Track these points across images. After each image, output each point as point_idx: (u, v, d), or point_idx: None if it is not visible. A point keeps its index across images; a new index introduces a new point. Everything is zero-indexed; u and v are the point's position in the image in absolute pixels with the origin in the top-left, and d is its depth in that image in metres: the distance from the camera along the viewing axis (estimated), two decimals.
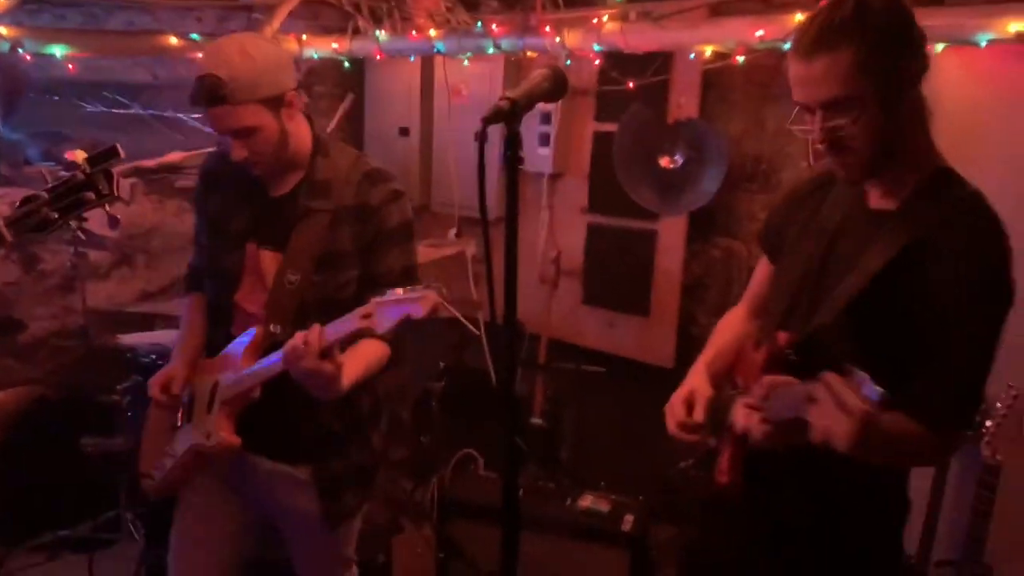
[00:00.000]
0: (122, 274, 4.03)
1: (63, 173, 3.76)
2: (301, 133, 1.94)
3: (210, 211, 2.05)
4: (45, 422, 3.48)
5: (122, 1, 3.81)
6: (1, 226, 1.57)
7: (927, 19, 2.49)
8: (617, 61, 3.42)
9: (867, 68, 1.33)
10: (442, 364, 3.40)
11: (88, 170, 1.57)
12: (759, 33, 2.74)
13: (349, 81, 4.53)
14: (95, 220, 2.67)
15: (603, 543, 2.82)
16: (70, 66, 3.56)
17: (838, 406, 1.09)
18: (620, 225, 3.67)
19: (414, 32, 3.73)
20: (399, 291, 1.59)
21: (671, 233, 3.56)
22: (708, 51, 3.04)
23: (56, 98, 4.04)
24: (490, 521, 3.00)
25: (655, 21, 3.05)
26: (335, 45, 4.02)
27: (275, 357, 1.77)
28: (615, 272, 3.70)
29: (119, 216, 1.74)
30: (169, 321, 3.71)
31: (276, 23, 3.89)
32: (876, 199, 1.49)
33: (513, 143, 1.18)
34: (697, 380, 1.64)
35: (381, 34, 3.82)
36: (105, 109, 4.20)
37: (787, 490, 1.52)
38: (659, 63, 3.37)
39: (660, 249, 3.59)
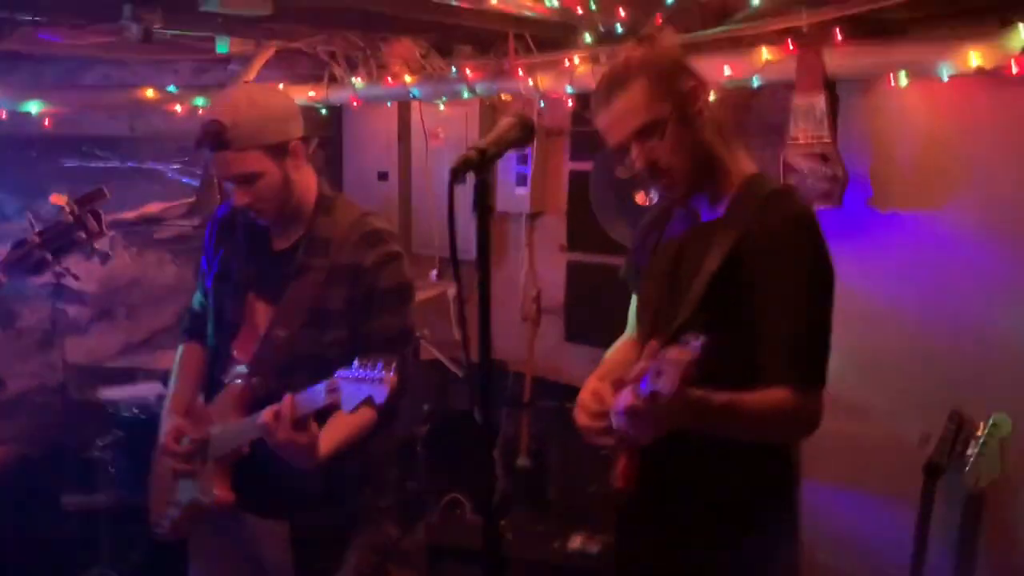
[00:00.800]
0: (102, 328, 4.01)
1: (41, 228, 3.75)
2: (306, 185, 1.95)
3: (219, 258, 2.07)
4: (26, 480, 3.44)
5: (98, 55, 3.83)
6: None
7: (889, 52, 2.59)
8: (589, 101, 3.46)
9: (659, 93, 1.55)
10: (426, 407, 3.39)
11: (76, 211, 1.58)
12: (727, 72, 2.79)
13: (327, 128, 4.57)
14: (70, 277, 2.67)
15: None
16: (46, 121, 3.57)
17: (670, 364, 1.26)
18: (600, 262, 3.69)
19: (390, 79, 3.78)
20: (365, 367, 1.61)
21: None
22: None
23: (33, 154, 4.05)
24: (478, 565, 2.98)
25: None
26: (312, 93, 4.06)
27: (256, 420, 1.77)
28: (597, 308, 3.71)
29: (111, 253, 1.76)
30: (150, 374, 3.68)
31: (252, 73, 3.93)
32: (705, 213, 1.68)
33: (483, 191, 1.20)
34: (595, 382, 1.73)
35: (357, 81, 3.86)
36: (83, 163, 4.21)
37: (678, 492, 1.64)
38: None
39: None
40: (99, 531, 3.28)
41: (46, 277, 1.66)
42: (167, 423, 2.03)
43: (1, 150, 3.94)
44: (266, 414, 1.70)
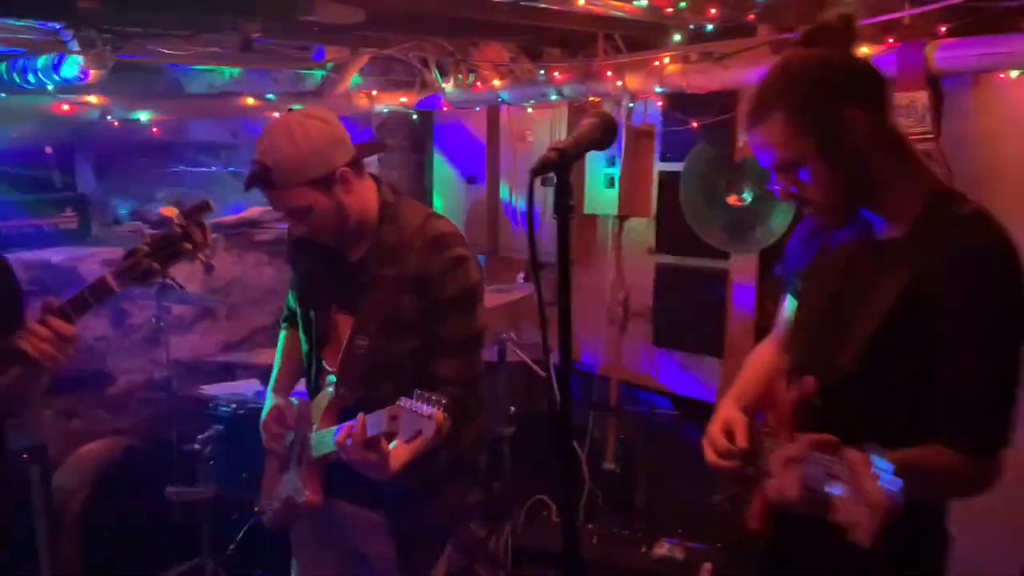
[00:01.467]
0: (204, 326, 4.18)
1: (149, 231, 3.94)
2: (363, 203, 1.94)
3: (299, 272, 2.15)
4: (133, 471, 3.61)
5: (202, 65, 4.00)
6: (109, 277, 1.67)
7: (1003, 45, 2.45)
8: (679, 101, 3.42)
9: (800, 128, 1.37)
10: (512, 409, 3.40)
11: (183, 223, 1.67)
12: None
13: (418, 133, 4.65)
14: (180, 276, 2.78)
15: None
16: (155, 129, 3.75)
17: (859, 498, 1.09)
18: (689, 265, 3.63)
19: (479, 83, 3.82)
20: (416, 395, 1.65)
21: (743, 271, 3.50)
22: None
23: (143, 160, 4.27)
24: (563, 568, 2.98)
25: (716, 61, 3.05)
26: (404, 99, 4.14)
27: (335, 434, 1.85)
28: (686, 313, 3.66)
29: (214, 263, 1.85)
30: (249, 371, 3.83)
31: (347, 80, 4.04)
32: (880, 226, 1.48)
33: (563, 192, 1.19)
34: (729, 410, 1.62)
35: (447, 86, 3.91)
36: (188, 168, 4.41)
37: (818, 542, 1.42)
38: (723, 101, 3.36)
39: (732, 288, 3.53)
40: (199, 522, 3.41)
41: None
42: (270, 406, 2.13)
43: (114, 156, 4.16)
44: (340, 434, 1.80)
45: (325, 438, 1.95)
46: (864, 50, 2.64)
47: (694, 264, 3.61)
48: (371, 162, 4.66)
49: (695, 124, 3.38)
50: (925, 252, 1.37)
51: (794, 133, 1.38)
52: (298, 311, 2.17)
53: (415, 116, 4.31)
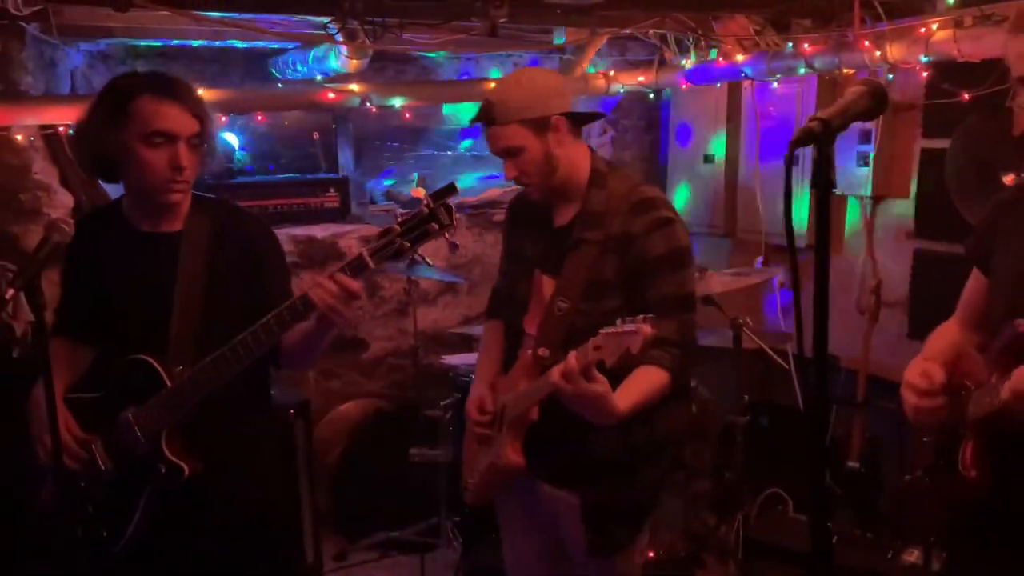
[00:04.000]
0: (447, 300, 4.41)
1: (400, 210, 4.22)
2: (575, 161, 2.01)
3: (512, 242, 2.23)
4: (381, 431, 3.90)
5: (451, 52, 4.20)
6: (366, 255, 1.79)
7: None
8: (948, 71, 3.10)
9: None
10: (746, 397, 3.28)
11: (431, 204, 1.76)
12: None
13: (654, 112, 4.59)
14: (427, 252, 2.94)
15: None
16: (407, 115, 3.99)
17: None
18: (953, 251, 3.29)
19: (721, 58, 3.69)
20: (619, 322, 1.65)
21: None
22: None
23: (395, 144, 4.57)
24: (798, 566, 2.84)
25: (996, 24, 2.72)
26: (641, 78, 4.09)
27: (547, 377, 1.85)
28: (947, 303, 3.33)
29: (458, 243, 1.97)
30: None
31: (585, 61, 4.06)
32: None
33: (825, 166, 1.12)
34: (922, 361, 1.66)
35: (687, 63, 3.82)
36: (436, 152, 4.66)
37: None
38: (1001, 70, 3.00)
39: None
40: (438, 483, 3.62)
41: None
42: (473, 393, 2.19)
43: (371, 141, 4.49)
44: (555, 371, 1.78)
45: (525, 395, 1.97)
46: None
47: (959, 250, 3.27)
48: (604, 143, 4.69)
49: (966, 96, 3.06)
50: None
51: None
52: (506, 280, 2.22)
53: (651, 95, 4.25)
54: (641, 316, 1.65)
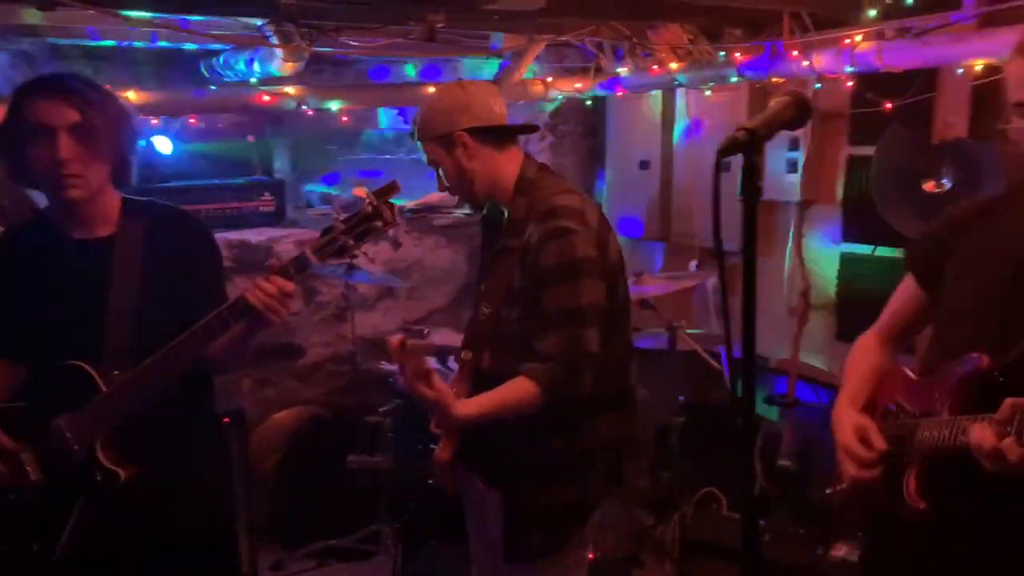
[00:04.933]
0: (386, 305, 4.38)
1: (336, 214, 4.16)
2: (496, 172, 2.03)
3: (483, 248, 2.25)
4: (319, 439, 3.85)
5: (387, 56, 4.19)
6: (309, 253, 1.79)
7: None
8: (872, 81, 3.21)
9: None
10: (681, 399, 3.34)
11: (375, 202, 1.77)
12: None
13: (592, 118, 4.64)
14: (365, 257, 2.92)
15: None
16: (344, 118, 3.96)
17: None
18: (878, 255, 3.42)
19: (655, 67, 3.75)
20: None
21: None
22: (978, 65, 2.77)
23: (332, 147, 4.53)
24: (733, 563, 2.91)
25: (916, 37, 2.84)
26: (578, 85, 4.14)
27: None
28: (873, 305, 3.44)
29: (401, 240, 1.98)
30: (425, 349, 3.98)
31: (523, 68, 4.09)
32: None
33: (751, 174, 1.15)
34: (855, 417, 1.62)
35: (623, 71, 3.88)
36: (373, 155, 4.63)
37: (983, 511, 1.44)
38: (921, 81, 3.13)
39: None
40: (378, 489, 3.60)
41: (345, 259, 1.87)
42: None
43: (308, 144, 4.44)
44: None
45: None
46: None
47: (883, 254, 3.40)
48: (544, 148, 4.72)
49: (889, 105, 3.17)
50: None
51: None
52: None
53: (589, 102, 4.30)
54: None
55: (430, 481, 2.31)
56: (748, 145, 1.14)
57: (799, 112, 1.22)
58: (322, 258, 1.79)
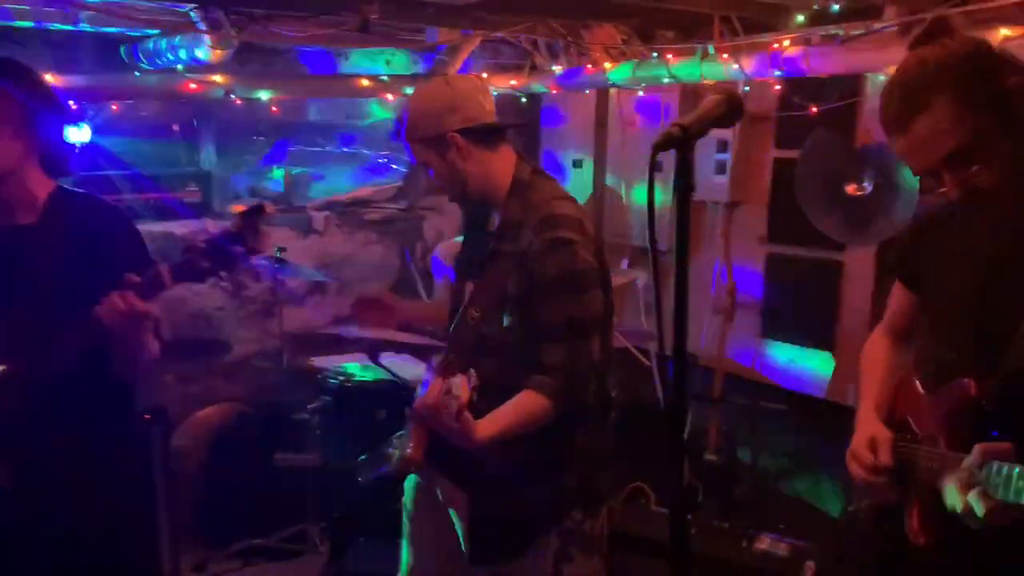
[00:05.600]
0: (316, 300, 4.31)
1: (269, 206, 4.06)
2: (491, 172, 1.95)
3: (464, 246, 2.18)
4: (244, 436, 3.76)
5: (319, 46, 4.11)
6: (165, 273, 1.71)
7: None
8: (799, 86, 3.30)
9: (971, 105, 1.30)
10: (612, 394, 3.36)
11: (239, 225, 1.70)
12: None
13: (525, 117, 4.65)
14: (294, 251, 2.85)
15: None
16: (274, 109, 3.88)
17: None
18: (802, 255, 3.51)
19: (590, 66, 3.78)
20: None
21: (859, 263, 3.37)
22: None
23: (261, 138, 4.43)
24: (661, 557, 2.94)
25: (841, 43, 2.92)
26: (513, 82, 4.14)
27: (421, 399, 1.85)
28: (797, 304, 3.55)
29: (246, 281, 1.90)
30: (356, 344, 3.92)
31: (458, 63, 4.07)
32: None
33: (685, 171, 1.16)
34: (874, 424, 1.58)
35: (557, 69, 3.89)
36: (304, 148, 4.55)
37: (989, 546, 1.37)
38: (845, 86, 3.22)
39: (847, 280, 3.41)
40: (305, 488, 3.53)
41: (213, 280, 1.79)
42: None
43: (235, 135, 4.33)
44: (418, 400, 1.79)
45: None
46: (1004, 32, 2.49)
47: (808, 255, 3.49)
48: None
49: (815, 109, 3.26)
50: None
51: (965, 111, 1.29)
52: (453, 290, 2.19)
53: (523, 99, 4.30)
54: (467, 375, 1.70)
55: (360, 479, 2.25)
56: (682, 141, 1.15)
57: (731, 110, 1.23)
58: (177, 280, 1.71)
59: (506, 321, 1.91)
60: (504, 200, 1.96)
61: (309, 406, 3.45)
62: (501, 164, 1.97)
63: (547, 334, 1.85)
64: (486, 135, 1.94)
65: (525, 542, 2.00)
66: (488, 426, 1.79)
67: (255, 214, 1.70)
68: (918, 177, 1.44)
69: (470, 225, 2.16)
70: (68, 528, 1.86)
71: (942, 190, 1.36)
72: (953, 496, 1.27)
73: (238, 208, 1.78)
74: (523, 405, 1.84)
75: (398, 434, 2.13)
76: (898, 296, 1.75)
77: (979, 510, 1.21)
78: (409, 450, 1.97)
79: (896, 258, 1.72)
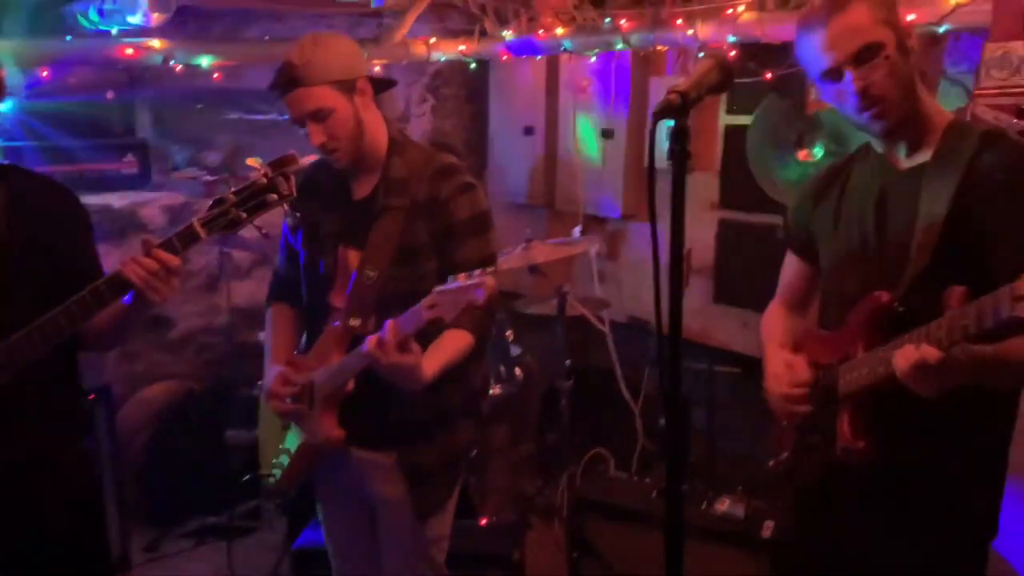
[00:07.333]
0: (262, 273, 4.19)
1: (207, 177, 3.93)
2: (377, 128, 2.00)
3: (306, 217, 2.11)
4: (193, 414, 3.67)
5: (258, 9, 3.97)
6: (198, 225, 1.69)
7: None
8: (753, 52, 3.31)
9: (880, 17, 1.51)
10: (568, 362, 3.38)
11: (270, 174, 1.69)
12: (910, 17, 2.60)
13: (475, 82, 4.58)
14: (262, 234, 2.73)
15: (742, 549, 2.74)
16: (215, 75, 3.73)
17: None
18: (754, 221, 3.55)
19: (541, 31, 3.73)
20: (461, 278, 1.66)
21: None
22: None
23: (200, 106, 4.26)
24: (622, 521, 2.99)
25: (796, 9, 2.94)
26: (462, 47, 4.07)
27: (361, 351, 1.83)
28: (749, 270, 3.59)
29: (298, 214, 2.03)
30: None
31: (405, 27, 3.97)
32: (904, 160, 1.62)
33: (682, 138, 1.15)
34: (784, 353, 1.75)
35: (507, 34, 3.84)
36: (244, 116, 4.39)
37: (909, 437, 1.56)
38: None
39: None
40: (258, 464, 3.46)
41: (245, 232, 1.77)
42: (270, 373, 2.11)
43: (173, 103, 4.16)
44: (370, 341, 1.77)
45: (338, 369, 1.95)
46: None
47: (759, 220, 3.53)
48: (424, 111, 4.63)
49: (768, 75, 3.28)
50: (960, 165, 1.50)
51: (877, 19, 1.51)
52: (300, 260, 2.14)
53: (473, 65, 4.24)
54: (479, 271, 1.67)
55: (268, 482, 2.22)
56: (681, 108, 1.14)
57: (724, 75, 1.23)
58: (211, 231, 1.69)
59: (423, 269, 1.95)
60: (384, 159, 2.00)
61: (259, 382, 3.37)
62: (381, 123, 2.02)
63: (464, 271, 1.84)
64: (379, 88, 2.01)
65: (452, 486, 2.12)
66: (432, 364, 1.85)
67: (286, 163, 1.70)
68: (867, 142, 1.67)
69: (315, 198, 2.08)
70: (11, 512, 1.80)
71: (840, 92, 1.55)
72: (905, 357, 1.40)
73: (254, 161, 1.75)
74: (453, 342, 1.92)
75: (275, 456, 2.15)
76: (791, 267, 1.91)
77: (932, 359, 1.35)
78: (327, 428, 1.98)
79: (790, 234, 1.88)
